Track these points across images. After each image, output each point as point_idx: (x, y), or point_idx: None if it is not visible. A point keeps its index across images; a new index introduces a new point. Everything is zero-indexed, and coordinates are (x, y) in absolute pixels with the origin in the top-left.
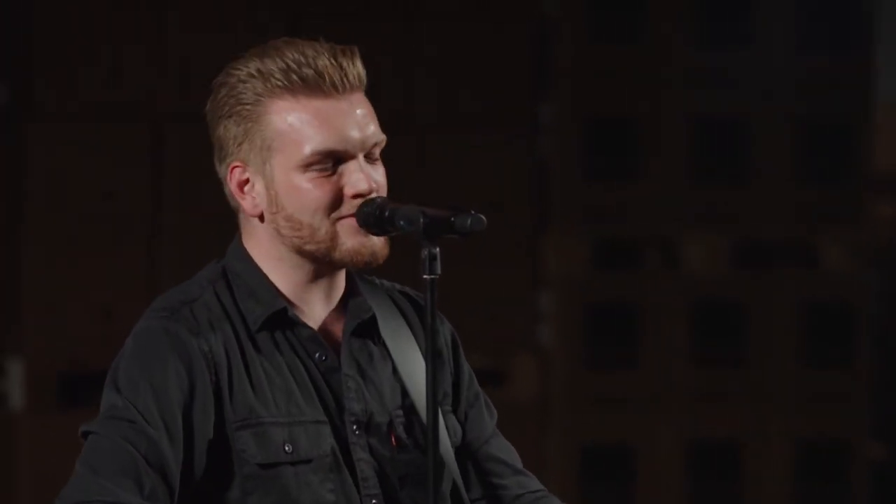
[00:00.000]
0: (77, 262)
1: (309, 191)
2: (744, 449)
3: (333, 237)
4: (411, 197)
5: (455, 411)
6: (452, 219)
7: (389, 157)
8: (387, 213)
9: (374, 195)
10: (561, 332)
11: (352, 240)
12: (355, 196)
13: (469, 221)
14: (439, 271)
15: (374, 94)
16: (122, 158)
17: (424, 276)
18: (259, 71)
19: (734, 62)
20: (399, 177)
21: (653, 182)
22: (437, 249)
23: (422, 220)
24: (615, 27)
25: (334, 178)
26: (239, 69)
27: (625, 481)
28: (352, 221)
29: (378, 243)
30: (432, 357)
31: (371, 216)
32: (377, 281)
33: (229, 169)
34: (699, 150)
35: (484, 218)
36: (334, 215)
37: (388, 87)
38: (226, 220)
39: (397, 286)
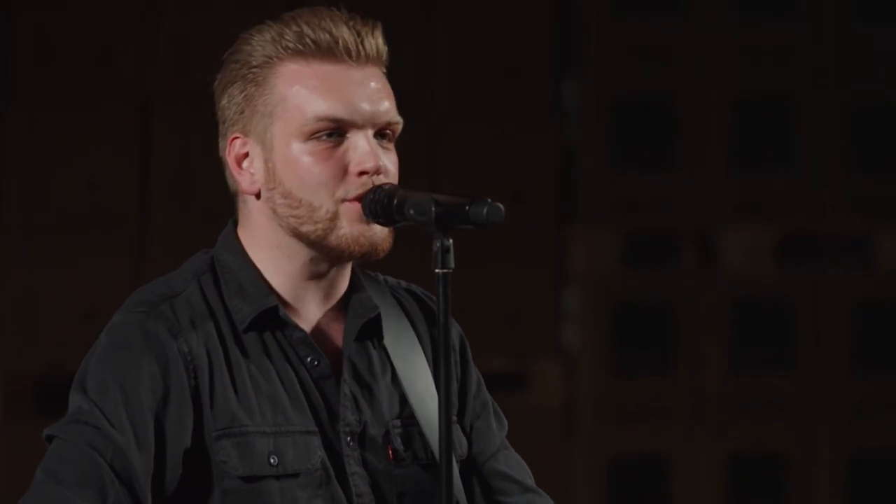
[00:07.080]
0: (56, 261)
1: (309, 164)
2: (790, 463)
3: (333, 218)
4: (424, 189)
5: (460, 421)
6: (467, 207)
7: (400, 147)
8: (395, 201)
9: (381, 179)
10: (587, 335)
11: (351, 226)
12: (361, 174)
13: (486, 210)
14: (453, 265)
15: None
16: (106, 146)
17: (436, 270)
18: (272, 36)
19: (782, 35)
20: (410, 167)
21: (689, 170)
22: (451, 241)
23: (433, 208)
24: None
25: (338, 152)
26: (253, 35)
27: (657, 498)
28: (356, 206)
29: (380, 234)
30: (446, 358)
31: (378, 204)
32: (380, 277)
33: (228, 141)
34: (741, 134)
35: (502, 207)
36: (338, 194)
37: (398, 69)
38: (222, 216)
39: (402, 283)
